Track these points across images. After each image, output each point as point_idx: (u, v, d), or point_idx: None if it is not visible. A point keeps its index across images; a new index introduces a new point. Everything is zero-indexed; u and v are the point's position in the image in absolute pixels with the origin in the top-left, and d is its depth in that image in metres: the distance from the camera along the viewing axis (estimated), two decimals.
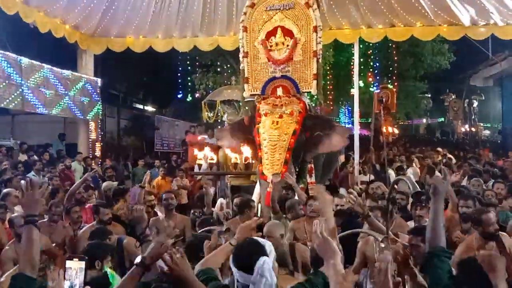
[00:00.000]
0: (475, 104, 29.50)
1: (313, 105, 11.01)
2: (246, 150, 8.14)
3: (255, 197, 7.24)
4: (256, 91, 7.87)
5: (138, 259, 2.43)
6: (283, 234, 3.90)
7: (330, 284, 2.30)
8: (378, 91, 13.43)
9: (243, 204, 5.91)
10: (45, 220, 6.04)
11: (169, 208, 6.53)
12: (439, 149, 16.34)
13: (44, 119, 14.33)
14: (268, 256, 2.53)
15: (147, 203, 6.67)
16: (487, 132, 33.09)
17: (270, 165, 6.87)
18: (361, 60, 15.09)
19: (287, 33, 7.73)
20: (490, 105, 31.64)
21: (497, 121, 31.30)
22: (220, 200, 7.45)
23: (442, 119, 34.22)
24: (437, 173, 9.10)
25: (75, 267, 1.90)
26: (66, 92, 13.24)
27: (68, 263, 1.91)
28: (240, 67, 8.23)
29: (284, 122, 7.11)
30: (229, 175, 9.44)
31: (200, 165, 9.53)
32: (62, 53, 14.56)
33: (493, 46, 17.95)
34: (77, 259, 1.92)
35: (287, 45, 7.66)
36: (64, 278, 1.92)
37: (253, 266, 2.44)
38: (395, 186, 6.81)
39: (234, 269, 2.55)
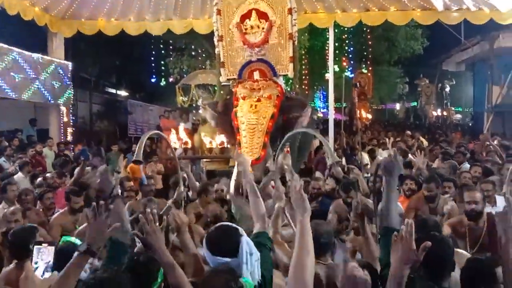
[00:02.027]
0: (447, 88, 29.95)
1: (288, 89, 11.00)
2: (221, 135, 8.10)
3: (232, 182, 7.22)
4: (233, 75, 7.79)
5: (82, 247, 2.41)
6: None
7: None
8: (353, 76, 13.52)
9: (201, 189, 6.19)
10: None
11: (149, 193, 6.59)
12: (409, 132, 16.57)
13: (13, 104, 13.97)
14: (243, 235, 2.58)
15: (127, 188, 6.70)
16: (458, 116, 33.63)
17: (249, 148, 6.85)
18: (336, 44, 15.09)
19: (262, 15, 7.62)
20: (462, 89, 32.14)
21: (468, 106, 31.85)
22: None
23: (415, 103, 34.65)
24: (410, 156, 9.22)
25: (45, 254, 1.85)
26: (36, 76, 12.91)
27: (37, 250, 1.85)
28: (216, 51, 8.12)
29: (262, 105, 7.08)
30: (204, 160, 9.37)
31: (175, 149, 9.44)
32: (31, 36, 14.18)
33: (466, 31, 18.23)
34: (46, 244, 1.86)
35: (263, 28, 7.57)
36: (31, 262, 1.88)
37: (236, 249, 2.47)
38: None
39: (211, 258, 2.52)
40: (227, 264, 2.43)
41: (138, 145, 4.58)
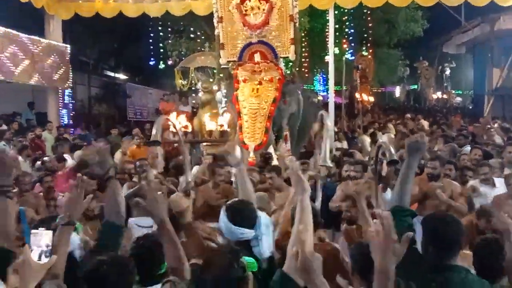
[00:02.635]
0: (448, 71, 29.80)
1: (288, 72, 10.92)
2: (221, 118, 8.04)
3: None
4: (233, 57, 7.73)
5: (63, 219, 2.50)
6: (269, 202, 4.11)
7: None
8: (354, 58, 13.39)
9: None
10: (16, 190, 5.90)
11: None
12: (409, 115, 16.51)
13: (11, 87, 13.87)
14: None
15: (126, 171, 6.69)
16: (459, 99, 33.53)
17: (251, 134, 6.81)
18: (336, 27, 14.94)
19: None
20: (462, 72, 31.96)
21: (469, 88, 31.74)
22: (196, 168, 7.40)
23: (415, 86, 34.50)
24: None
25: (42, 237, 1.82)
26: (34, 59, 12.80)
27: (34, 233, 1.82)
28: (215, 33, 8.03)
29: (264, 89, 7.03)
30: (204, 143, 9.33)
31: (174, 133, 9.39)
32: (28, 19, 14.03)
33: (466, 13, 18.07)
34: (43, 229, 1.83)
35: (263, 9, 7.49)
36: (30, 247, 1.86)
37: (254, 221, 2.66)
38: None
39: (231, 228, 2.64)
40: (235, 243, 2.56)
41: (155, 127, 5.03)
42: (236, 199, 2.99)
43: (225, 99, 9.14)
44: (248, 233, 2.63)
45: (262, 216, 2.73)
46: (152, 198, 2.53)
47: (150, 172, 6.26)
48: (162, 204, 2.57)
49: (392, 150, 4.74)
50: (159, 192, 2.62)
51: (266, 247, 2.62)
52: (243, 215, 2.69)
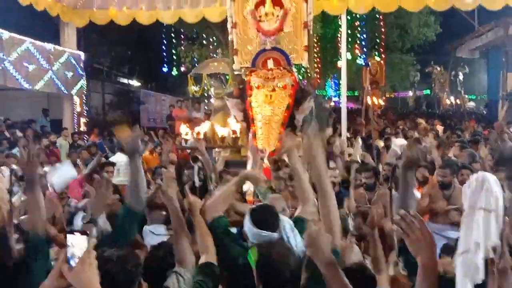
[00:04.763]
0: (461, 76, 29.57)
1: (300, 78, 10.92)
2: (234, 124, 8.04)
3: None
4: (246, 63, 7.72)
5: (86, 218, 2.79)
6: (284, 207, 3.98)
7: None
8: (365, 63, 13.33)
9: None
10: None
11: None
12: (420, 120, 16.33)
13: (26, 94, 14.06)
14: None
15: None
16: (472, 104, 33.24)
17: (265, 140, 6.82)
18: (348, 32, 14.94)
19: (277, 2, 7.53)
20: (476, 77, 31.72)
21: (482, 93, 31.47)
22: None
23: (428, 91, 34.28)
24: (423, 144, 9.15)
25: (77, 242, 1.82)
26: (49, 66, 12.98)
27: (70, 238, 1.83)
28: (229, 39, 8.05)
29: (277, 96, 7.03)
30: (217, 149, 9.33)
31: (186, 140, 9.42)
32: (44, 26, 14.22)
33: (480, 17, 17.94)
34: (78, 233, 1.84)
35: (277, 16, 7.48)
36: (67, 255, 1.85)
37: (275, 225, 2.76)
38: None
39: (255, 231, 2.75)
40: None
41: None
42: (263, 203, 3.21)
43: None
44: (271, 236, 2.71)
45: (285, 219, 2.84)
46: (169, 182, 2.74)
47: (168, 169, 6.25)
48: (175, 191, 2.77)
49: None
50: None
51: (294, 244, 2.70)
52: (265, 219, 2.79)
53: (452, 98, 30.63)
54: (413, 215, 1.94)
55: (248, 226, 2.81)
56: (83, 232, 1.82)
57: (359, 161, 6.86)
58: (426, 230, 1.92)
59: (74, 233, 1.82)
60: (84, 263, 1.75)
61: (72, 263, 1.77)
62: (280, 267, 2.38)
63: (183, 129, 9.28)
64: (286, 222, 2.80)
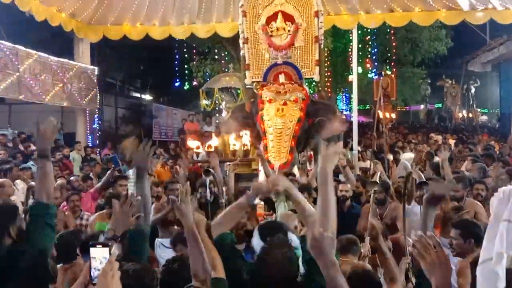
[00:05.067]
0: (473, 89, 29.43)
1: (312, 92, 10.95)
2: (245, 137, 8.08)
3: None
4: (258, 77, 7.79)
5: (108, 234, 2.78)
6: (296, 225, 3.84)
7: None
8: (377, 77, 13.32)
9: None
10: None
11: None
12: (433, 134, 16.24)
13: (41, 108, 14.23)
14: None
15: (154, 194, 6.63)
16: (484, 117, 33.01)
17: (276, 153, 6.84)
18: (359, 46, 14.99)
19: (288, 18, 7.63)
20: (488, 90, 31.54)
21: (495, 107, 31.25)
22: None
23: (440, 105, 34.11)
24: (436, 158, 9.10)
25: (100, 255, 1.85)
26: (63, 81, 13.15)
27: (93, 251, 1.86)
28: (241, 54, 8.14)
29: (288, 109, 7.06)
30: (228, 163, 9.36)
31: (198, 154, 9.47)
32: (58, 41, 14.43)
33: (491, 31, 17.91)
34: (100, 246, 1.88)
35: (288, 31, 7.57)
36: (90, 267, 1.88)
37: None
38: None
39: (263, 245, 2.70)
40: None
41: None
42: (271, 219, 3.19)
43: None
44: None
45: (293, 238, 2.79)
46: (184, 198, 2.73)
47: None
48: (191, 208, 2.75)
49: (421, 174, 4.75)
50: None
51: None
52: (274, 234, 2.74)
53: (464, 111, 30.45)
54: (429, 236, 1.96)
55: (256, 241, 2.81)
56: (104, 245, 1.86)
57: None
58: (442, 252, 1.94)
59: (97, 246, 1.86)
60: (106, 275, 1.78)
61: (95, 274, 1.80)
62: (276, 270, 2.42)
63: (194, 143, 9.36)
64: (294, 240, 2.75)
